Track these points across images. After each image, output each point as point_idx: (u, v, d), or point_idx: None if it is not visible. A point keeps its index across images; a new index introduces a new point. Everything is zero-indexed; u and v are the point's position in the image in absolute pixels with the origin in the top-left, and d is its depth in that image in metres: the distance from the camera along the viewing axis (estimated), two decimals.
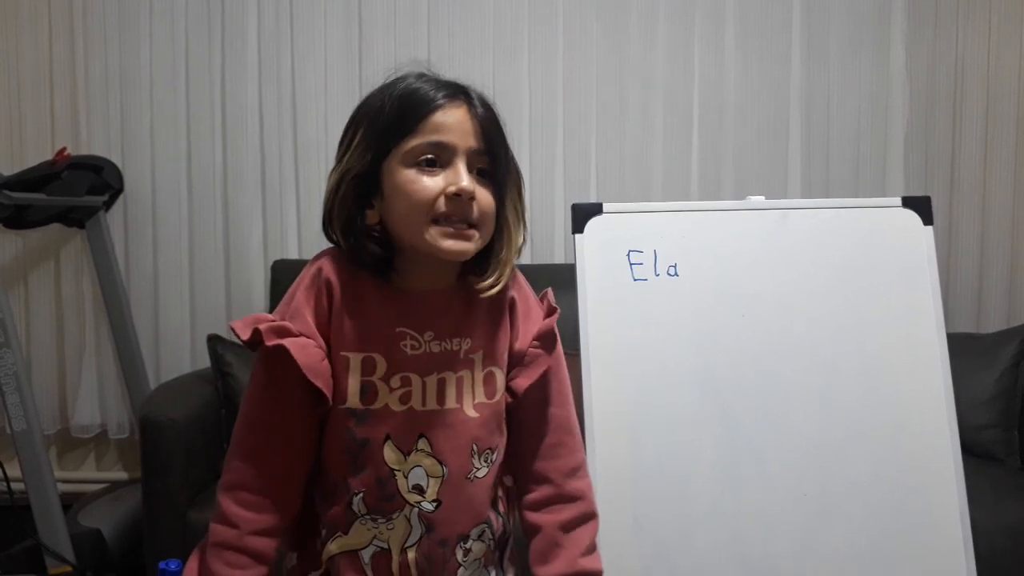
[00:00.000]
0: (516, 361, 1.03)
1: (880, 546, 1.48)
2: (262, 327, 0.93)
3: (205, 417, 2.14)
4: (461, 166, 0.94)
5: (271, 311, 1.01)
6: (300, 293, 0.98)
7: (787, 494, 1.50)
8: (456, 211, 0.94)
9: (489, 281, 0.99)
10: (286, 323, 0.95)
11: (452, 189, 0.93)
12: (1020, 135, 2.60)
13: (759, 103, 2.64)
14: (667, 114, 2.65)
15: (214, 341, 2.37)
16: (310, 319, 0.96)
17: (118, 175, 2.58)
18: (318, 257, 1.00)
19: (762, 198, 1.63)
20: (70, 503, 2.28)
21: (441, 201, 0.93)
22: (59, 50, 2.64)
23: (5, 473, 2.21)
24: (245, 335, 0.94)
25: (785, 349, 1.54)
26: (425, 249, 0.95)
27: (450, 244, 0.94)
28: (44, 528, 2.07)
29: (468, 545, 0.98)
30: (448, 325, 0.99)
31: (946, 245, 2.60)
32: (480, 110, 0.98)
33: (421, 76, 0.98)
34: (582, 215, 1.58)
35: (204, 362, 2.53)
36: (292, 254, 2.67)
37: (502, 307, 1.03)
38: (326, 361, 0.95)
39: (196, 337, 2.65)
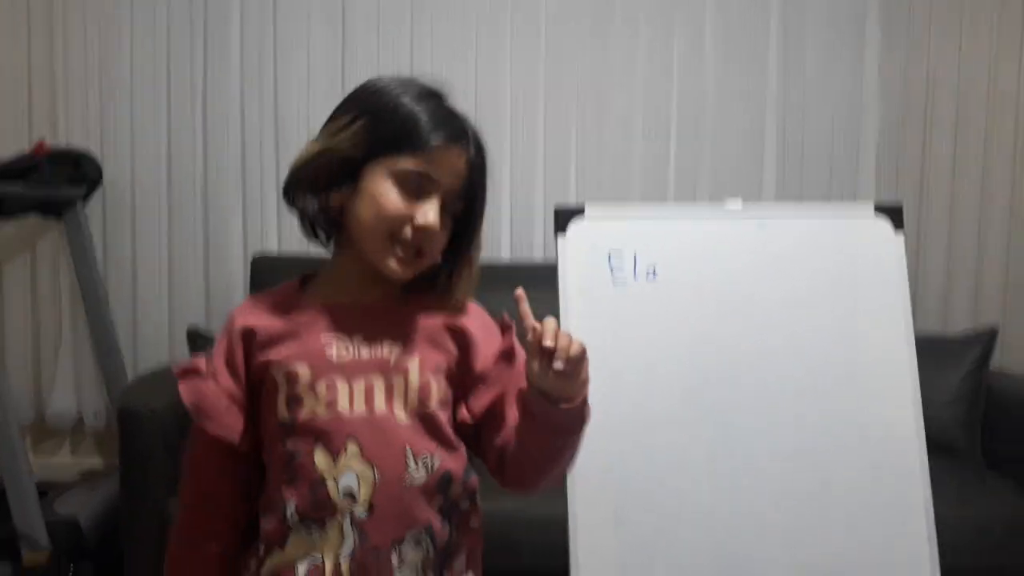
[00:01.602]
0: (478, 381, 1.03)
1: (850, 541, 1.52)
2: (175, 368, 1.01)
3: (184, 408, 2.14)
4: (435, 202, 0.98)
5: None
6: (217, 338, 1.05)
7: (764, 493, 1.54)
8: (417, 241, 0.98)
9: (447, 305, 1.04)
10: (197, 363, 1.01)
11: (420, 222, 0.97)
12: (988, 143, 2.67)
13: (736, 108, 2.68)
14: (646, 116, 2.68)
15: (193, 335, 2.38)
16: (220, 361, 1.01)
17: (97, 167, 2.56)
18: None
19: (739, 200, 1.66)
20: (46, 491, 2.27)
21: (407, 229, 0.97)
22: (37, 41, 2.62)
23: None
24: (174, 372, 1.02)
25: (761, 352, 1.58)
26: (371, 259, 1.00)
27: (394, 266, 0.99)
28: (19, 516, 2.07)
29: (404, 551, 0.97)
30: (379, 331, 1.00)
31: (915, 247, 2.66)
32: (474, 157, 1.01)
33: (434, 97, 1.01)
34: (564, 218, 1.60)
35: (181, 355, 2.54)
36: (272, 248, 2.68)
37: (443, 323, 1.03)
38: (222, 399, 0.99)
39: (174, 330, 2.65)
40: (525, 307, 0.95)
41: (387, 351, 1.00)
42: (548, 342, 0.91)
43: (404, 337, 1.01)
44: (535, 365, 0.93)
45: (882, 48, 2.67)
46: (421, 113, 0.98)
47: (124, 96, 2.63)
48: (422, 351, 1.01)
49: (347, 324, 1.01)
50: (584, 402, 0.97)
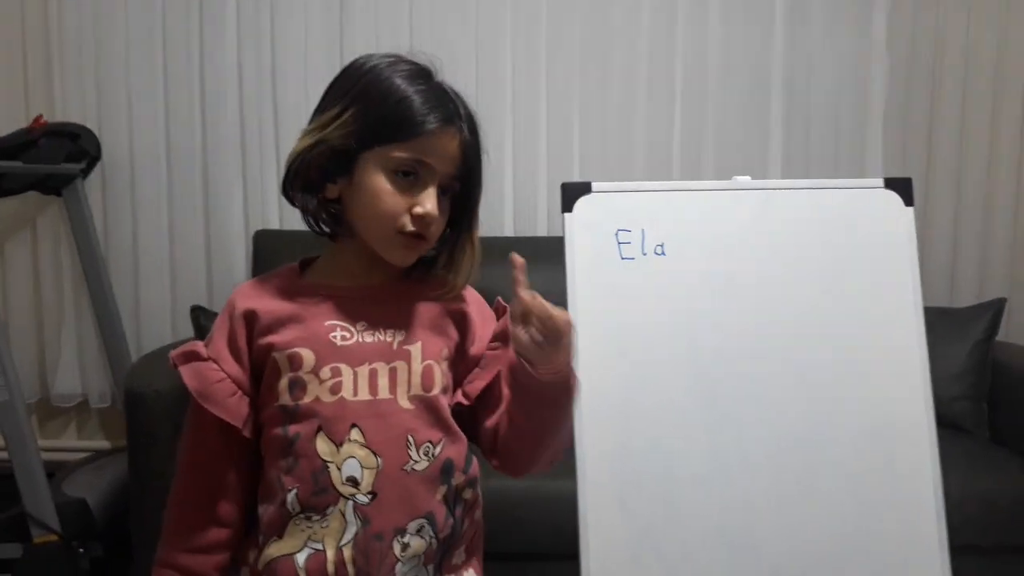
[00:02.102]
0: (473, 365, 1.04)
1: (858, 521, 1.52)
2: (173, 352, 0.99)
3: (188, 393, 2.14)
4: (432, 190, 0.97)
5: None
6: (216, 320, 1.03)
7: (771, 471, 1.53)
8: (417, 227, 0.97)
9: (446, 290, 1.03)
10: (197, 348, 1.00)
11: (419, 211, 0.96)
12: (996, 111, 2.64)
13: (740, 80, 2.65)
14: (650, 90, 2.65)
15: (197, 312, 2.36)
16: (222, 344, 1.00)
17: (95, 143, 2.54)
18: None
19: (748, 178, 1.64)
20: (53, 472, 2.28)
21: (407, 219, 0.97)
22: (31, 15, 2.59)
23: None
24: (171, 360, 1.00)
25: (770, 328, 1.57)
26: (375, 245, 1.00)
27: (398, 255, 0.99)
28: (28, 497, 2.07)
29: (406, 539, 0.96)
30: (382, 316, 1.00)
31: (921, 220, 2.64)
32: (468, 137, 1.00)
33: (425, 77, 0.99)
34: (571, 194, 1.58)
35: (185, 332, 2.53)
36: (274, 224, 2.66)
37: (445, 309, 1.04)
38: (226, 383, 0.97)
39: (177, 307, 2.64)
40: (520, 275, 0.95)
41: (390, 336, 1.00)
42: (534, 322, 0.92)
43: (406, 323, 1.01)
44: (519, 332, 0.94)
45: (889, 9, 2.63)
46: (412, 97, 0.96)
47: (121, 71, 2.59)
48: (424, 336, 1.01)
49: (350, 309, 1.00)
50: (569, 373, 0.98)
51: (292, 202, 1.03)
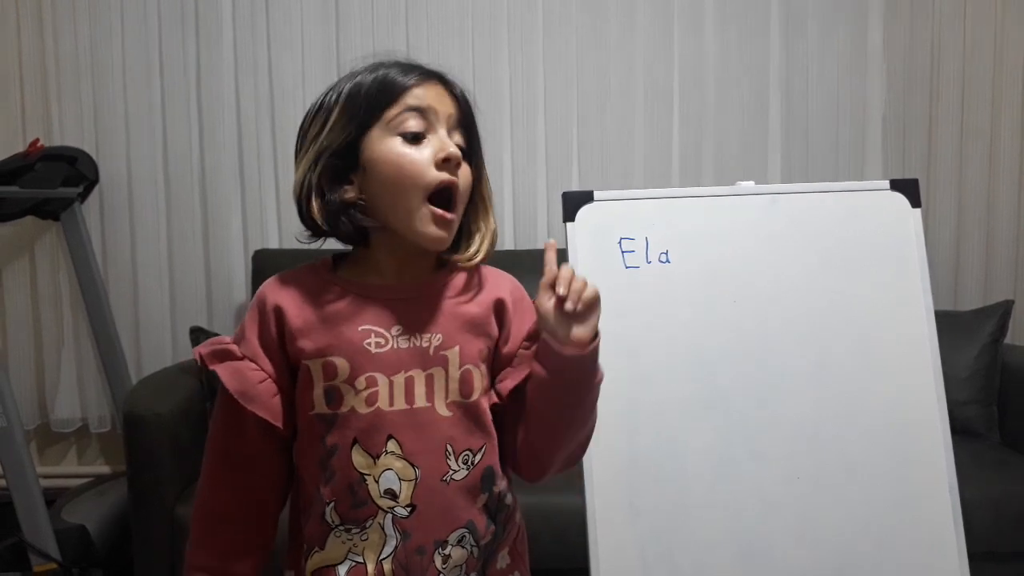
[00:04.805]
0: (505, 363, 1.01)
1: (873, 525, 1.50)
2: (204, 351, 0.96)
3: (190, 410, 2.11)
4: (443, 132, 0.96)
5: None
6: (247, 316, 0.99)
7: (781, 475, 1.51)
8: (448, 176, 0.94)
9: (467, 255, 1.00)
10: (230, 346, 0.96)
11: (442, 154, 0.94)
12: (995, 113, 2.63)
13: (738, 88, 2.65)
14: (648, 98, 2.65)
15: (197, 333, 2.35)
16: (255, 341, 0.97)
17: (93, 166, 2.53)
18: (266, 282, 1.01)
19: (752, 183, 1.63)
20: (53, 499, 2.25)
21: (432, 171, 0.94)
22: (27, 39, 2.59)
23: None
24: (197, 358, 0.96)
25: (777, 333, 1.55)
26: (407, 228, 0.95)
27: (434, 230, 0.95)
28: (28, 525, 2.05)
29: (447, 551, 0.94)
30: (417, 320, 0.97)
31: (924, 223, 2.61)
32: (456, 88, 1.00)
33: (396, 63, 0.99)
34: (573, 203, 1.57)
35: (185, 354, 2.51)
36: (273, 243, 2.64)
37: (483, 306, 1.00)
38: (267, 383, 0.95)
39: (177, 329, 2.62)
40: (551, 255, 0.96)
41: (425, 341, 0.96)
42: (561, 289, 0.92)
43: (442, 325, 0.97)
44: (544, 301, 0.93)
45: (885, 14, 2.63)
46: (387, 67, 0.97)
47: (118, 94, 2.59)
48: (462, 339, 0.98)
49: (384, 312, 0.97)
50: (595, 353, 0.95)
51: (313, 229, 0.99)
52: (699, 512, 1.50)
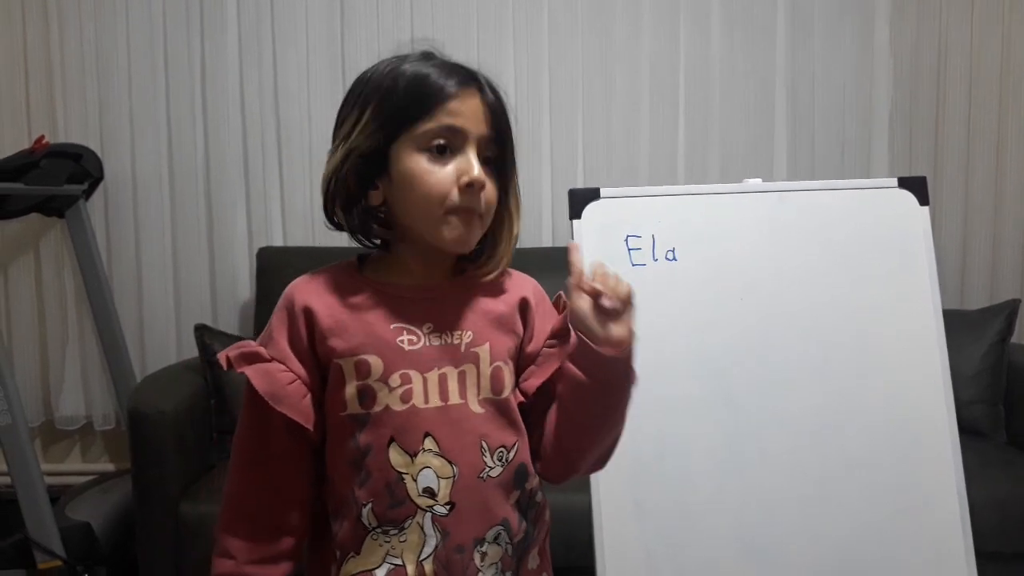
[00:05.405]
0: (529, 362, 1.00)
1: (879, 523, 1.49)
2: (231, 354, 0.93)
3: (195, 407, 2.11)
4: (472, 154, 0.93)
5: (257, 300, 1.00)
6: (274, 318, 0.97)
7: (788, 473, 1.50)
8: (469, 202, 0.93)
9: (489, 266, 0.99)
10: (258, 348, 0.94)
11: (465, 180, 0.92)
12: (1002, 112, 2.62)
13: (744, 85, 2.64)
14: (653, 96, 2.64)
15: (201, 330, 2.34)
16: (284, 343, 0.95)
17: (98, 163, 2.53)
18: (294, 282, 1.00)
19: (759, 180, 1.62)
20: (57, 496, 2.25)
21: (455, 193, 0.92)
22: (32, 36, 2.59)
23: None
24: (223, 361, 0.94)
25: (784, 331, 1.54)
26: (431, 238, 0.94)
27: (457, 237, 0.94)
28: (32, 522, 2.05)
29: (484, 548, 0.93)
30: (447, 317, 0.96)
31: (930, 222, 2.61)
32: (491, 97, 0.97)
33: (429, 57, 0.97)
34: (579, 200, 1.56)
35: (190, 352, 2.50)
36: (277, 241, 2.64)
37: (509, 304, 1.00)
38: (296, 384, 0.93)
39: (181, 327, 2.62)
40: (576, 256, 0.93)
41: (456, 339, 0.96)
42: (598, 285, 0.90)
43: (472, 323, 0.97)
44: (579, 300, 0.91)
45: (892, 13, 2.62)
46: (424, 72, 0.94)
47: (123, 91, 2.59)
48: (492, 336, 0.97)
49: (414, 310, 0.96)
50: (630, 355, 0.94)
51: (337, 226, 0.99)
52: (704, 510, 1.50)
